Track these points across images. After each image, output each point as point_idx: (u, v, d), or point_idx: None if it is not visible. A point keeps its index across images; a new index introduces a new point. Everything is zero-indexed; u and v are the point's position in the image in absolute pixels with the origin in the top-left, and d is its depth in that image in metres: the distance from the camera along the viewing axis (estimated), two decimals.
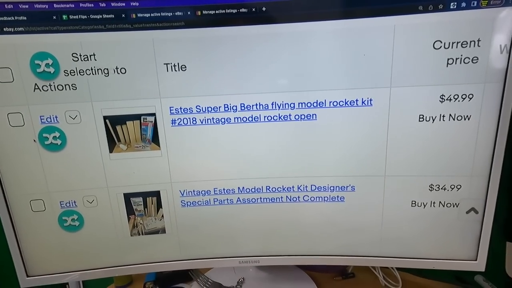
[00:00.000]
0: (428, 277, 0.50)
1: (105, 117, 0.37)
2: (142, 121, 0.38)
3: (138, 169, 0.40)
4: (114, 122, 0.38)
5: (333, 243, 0.43)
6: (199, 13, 0.35)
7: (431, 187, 0.39)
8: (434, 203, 0.39)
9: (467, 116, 0.36)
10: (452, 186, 0.38)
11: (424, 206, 0.39)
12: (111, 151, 0.39)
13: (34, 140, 0.37)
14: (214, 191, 0.41)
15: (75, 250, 0.42)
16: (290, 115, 0.38)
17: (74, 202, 0.40)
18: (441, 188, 0.38)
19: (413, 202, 0.40)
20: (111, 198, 0.40)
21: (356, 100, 0.37)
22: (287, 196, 0.41)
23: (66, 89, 0.36)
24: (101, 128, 0.38)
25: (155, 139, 0.39)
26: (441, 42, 0.34)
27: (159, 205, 0.41)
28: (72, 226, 0.41)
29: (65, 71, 0.36)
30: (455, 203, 0.39)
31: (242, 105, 0.38)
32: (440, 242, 0.41)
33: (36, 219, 0.40)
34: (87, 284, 0.73)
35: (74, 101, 0.37)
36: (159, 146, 0.39)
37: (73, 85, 0.36)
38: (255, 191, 0.41)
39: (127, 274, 0.53)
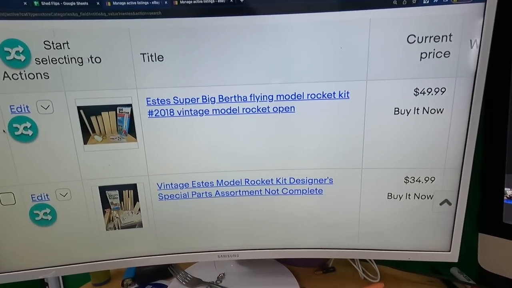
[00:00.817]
0: (405, 270, 0.51)
1: (79, 108, 0.37)
2: (118, 112, 0.37)
3: (114, 161, 0.39)
4: (88, 113, 0.37)
5: (312, 236, 0.43)
6: (176, 2, 0.34)
7: (407, 180, 0.39)
8: (409, 195, 0.40)
9: (440, 109, 0.37)
10: (427, 178, 0.39)
11: (400, 198, 0.40)
12: (85, 142, 0.38)
13: (4, 131, 0.36)
14: (192, 184, 0.41)
15: (49, 245, 0.41)
16: (268, 107, 0.38)
17: (47, 195, 0.39)
18: (416, 180, 0.39)
19: (389, 195, 0.40)
20: (85, 191, 0.39)
21: (334, 93, 0.37)
22: (266, 189, 0.41)
23: (37, 78, 0.35)
24: (75, 119, 0.37)
25: (132, 130, 0.38)
26: (414, 36, 0.34)
27: (135, 199, 0.41)
28: (45, 220, 0.40)
29: (37, 59, 0.34)
30: (429, 195, 0.40)
31: (221, 96, 0.37)
32: (415, 234, 0.42)
33: (6, 213, 0.39)
34: (66, 281, 0.70)
35: (46, 91, 0.36)
36: (135, 137, 0.38)
37: (45, 74, 0.35)
38: (233, 184, 0.41)
39: (105, 270, 0.52)
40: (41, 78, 0.35)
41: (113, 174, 0.39)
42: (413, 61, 0.35)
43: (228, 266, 0.53)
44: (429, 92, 0.36)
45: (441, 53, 0.35)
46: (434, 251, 0.42)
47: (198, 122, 0.38)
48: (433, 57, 0.35)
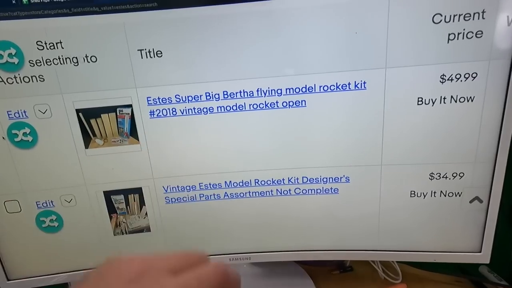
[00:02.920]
0: (429, 270, 0.48)
1: (77, 110, 0.35)
2: (118, 114, 0.35)
3: (117, 165, 0.37)
4: (88, 116, 0.35)
5: (328, 237, 0.40)
6: None
7: (432, 176, 0.36)
8: (435, 193, 0.36)
9: (470, 97, 0.33)
10: (454, 174, 0.35)
11: (424, 196, 0.37)
12: (87, 146, 0.36)
13: (3, 138, 0.35)
14: (200, 186, 0.39)
15: (57, 252, 0.40)
16: (277, 102, 0.35)
17: (51, 202, 0.38)
18: (442, 177, 0.36)
19: (412, 193, 0.37)
20: (90, 196, 0.38)
21: (349, 84, 0.34)
22: (277, 189, 0.39)
23: (33, 81, 0.33)
24: (74, 122, 0.35)
25: (133, 132, 0.36)
26: (441, 15, 0.30)
27: (142, 203, 0.39)
28: (51, 227, 0.39)
29: (30, 61, 0.33)
30: (458, 192, 0.36)
31: (225, 92, 0.35)
32: (441, 234, 0.38)
33: (13, 220, 0.38)
34: None
35: (43, 94, 0.34)
36: (138, 139, 0.36)
37: (40, 77, 0.33)
38: (243, 185, 0.39)
39: None
40: (37, 81, 0.33)
41: (117, 178, 0.38)
42: (440, 44, 0.31)
43: (241, 267, 0.51)
44: (458, 79, 0.32)
45: (472, 33, 0.31)
46: (462, 252, 0.38)
47: (203, 120, 0.36)
48: (463, 38, 0.31)
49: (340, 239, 0.40)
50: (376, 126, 0.35)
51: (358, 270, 0.51)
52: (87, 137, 0.36)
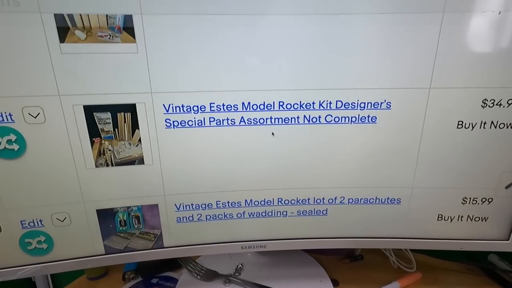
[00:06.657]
0: (440, 258, 0.45)
1: None
2: None
3: (103, 70, 0.28)
4: None
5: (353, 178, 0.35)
6: None
7: (485, 103, 0.31)
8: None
9: None
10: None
11: (473, 127, 0.32)
12: (62, 40, 0.27)
13: None
14: (211, 107, 0.31)
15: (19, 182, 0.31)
16: None
17: (10, 115, 0.28)
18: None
19: (460, 123, 0.32)
20: (65, 111, 0.29)
21: None
22: (305, 116, 0.32)
23: None
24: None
25: (129, 26, 0.27)
26: None
27: (135, 125, 0.30)
28: (10, 151, 0.29)
29: None
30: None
31: None
32: (471, 221, 0.35)
33: None
34: (56, 276, 0.59)
35: None
36: (134, 37, 0.28)
37: None
38: (264, 108, 0.31)
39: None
40: None
41: (103, 89, 0.29)
42: None
43: (246, 256, 0.44)
44: None
45: None
46: (489, 240, 0.36)
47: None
48: None
49: (364, 221, 0.35)
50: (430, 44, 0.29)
51: (369, 259, 0.47)
52: (63, 27, 0.26)
